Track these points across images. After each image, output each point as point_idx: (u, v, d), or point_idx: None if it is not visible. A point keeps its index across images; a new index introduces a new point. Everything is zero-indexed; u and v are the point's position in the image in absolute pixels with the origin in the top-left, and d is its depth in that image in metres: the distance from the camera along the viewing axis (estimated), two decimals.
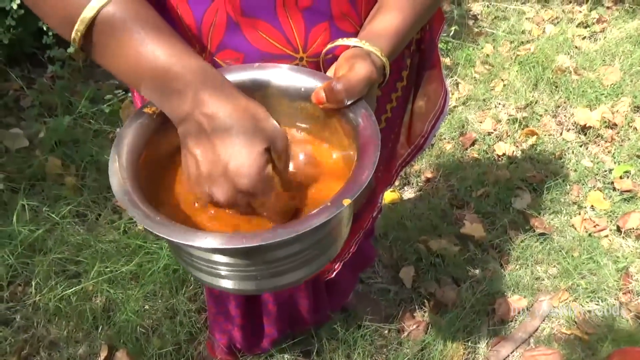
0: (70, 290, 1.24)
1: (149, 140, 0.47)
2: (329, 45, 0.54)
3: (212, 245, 0.38)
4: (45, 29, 1.64)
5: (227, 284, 0.46)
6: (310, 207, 0.48)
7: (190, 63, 0.43)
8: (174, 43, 0.43)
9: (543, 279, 1.38)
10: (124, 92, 1.74)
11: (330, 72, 0.51)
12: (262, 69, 0.51)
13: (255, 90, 0.50)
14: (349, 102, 0.47)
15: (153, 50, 0.42)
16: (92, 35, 0.43)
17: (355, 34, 0.57)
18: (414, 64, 0.73)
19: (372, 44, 0.50)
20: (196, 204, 0.48)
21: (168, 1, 0.53)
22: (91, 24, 0.42)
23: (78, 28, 0.42)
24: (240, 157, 0.41)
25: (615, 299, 1.33)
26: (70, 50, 1.73)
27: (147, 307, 1.26)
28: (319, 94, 0.47)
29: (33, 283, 1.26)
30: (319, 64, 0.57)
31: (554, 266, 1.41)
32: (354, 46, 0.51)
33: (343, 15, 0.56)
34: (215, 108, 0.41)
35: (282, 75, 0.50)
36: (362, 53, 0.49)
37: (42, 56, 1.81)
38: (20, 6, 1.55)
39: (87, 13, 0.41)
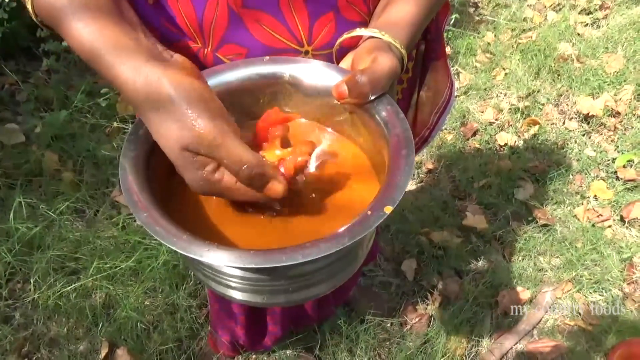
0: (70, 287, 1.23)
1: (154, 149, 0.44)
2: (345, 35, 0.50)
3: (240, 264, 0.35)
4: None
5: (246, 297, 0.43)
6: (332, 211, 0.44)
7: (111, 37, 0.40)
8: (103, 22, 0.41)
9: (546, 271, 1.37)
10: None
11: (345, 63, 0.49)
12: (275, 64, 0.48)
13: (269, 86, 0.47)
14: (373, 97, 0.44)
15: (81, 32, 0.40)
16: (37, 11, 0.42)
17: (362, 23, 0.54)
18: (420, 55, 0.71)
19: (391, 34, 0.47)
20: (226, 204, 0.45)
21: None
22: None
23: (30, 13, 0.42)
24: (190, 118, 0.38)
25: (619, 290, 1.32)
26: (66, 43, 1.70)
27: (147, 303, 1.24)
28: (341, 88, 0.44)
29: (32, 280, 1.25)
30: (326, 57, 0.55)
31: (557, 257, 1.40)
32: (372, 37, 0.48)
33: (349, 4, 0.54)
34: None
35: (299, 70, 0.47)
36: (383, 45, 0.46)
37: (37, 50, 1.79)
38: None
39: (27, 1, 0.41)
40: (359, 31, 0.49)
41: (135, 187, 0.40)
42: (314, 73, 0.47)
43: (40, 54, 1.79)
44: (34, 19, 0.43)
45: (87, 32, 0.40)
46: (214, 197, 0.45)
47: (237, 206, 0.45)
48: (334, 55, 0.53)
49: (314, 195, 0.46)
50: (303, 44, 0.54)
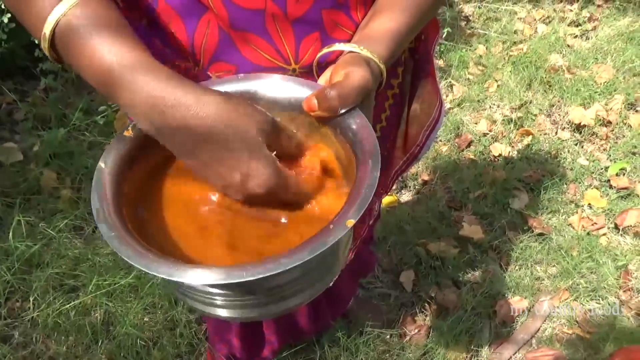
0: (69, 305, 1.23)
1: (131, 160, 0.45)
2: (324, 50, 0.52)
3: (208, 281, 0.36)
4: (37, 42, 1.63)
5: (226, 313, 0.44)
6: (304, 223, 0.45)
7: (128, 55, 0.41)
8: (122, 40, 0.42)
9: (543, 279, 1.38)
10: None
11: (323, 78, 0.50)
12: (248, 80, 0.48)
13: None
14: (343, 111, 0.45)
15: (101, 51, 0.41)
16: (56, 41, 0.43)
17: (348, 41, 0.56)
18: (407, 72, 0.73)
19: (370, 49, 0.49)
20: (198, 217, 0.45)
21: (160, 18, 0.53)
22: (54, 31, 0.42)
23: (44, 44, 0.43)
24: (253, 170, 0.41)
25: (615, 297, 1.33)
26: None
27: (146, 319, 1.25)
28: (311, 101, 0.45)
29: (31, 299, 1.25)
30: (311, 74, 0.56)
31: (554, 266, 1.41)
32: (351, 51, 0.49)
33: (335, 24, 0.56)
34: (180, 100, 0.40)
35: (271, 86, 0.48)
36: (359, 59, 0.47)
37: (35, 69, 1.81)
38: (11, 20, 1.55)
39: (46, 30, 0.42)
40: (337, 46, 0.50)
41: (108, 206, 0.41)
42: (283, 88, 0.48)
43: (37, 74, 1.81)
44: (46, 51, 0.43)
45: (108, 51, 0.41)
46: (188, 217, 0.46)
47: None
48: (314, 70, 0.54)
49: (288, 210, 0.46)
50: (290, 62, 0.56)
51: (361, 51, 0.48)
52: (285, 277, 0.41)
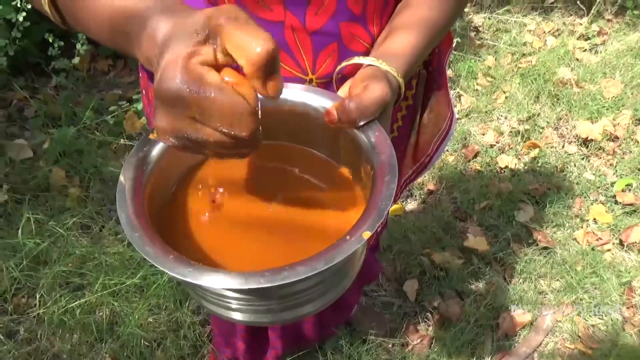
0: (75, 303, 1.24)
1: (155, 169, 0.46)
2: (344, 63, 0.53)
3: (226, 286, 0.37)
4: (50, 40, 1.64)
5: (239, 317, 0.45)
6: (316, 233, 0.46)
7: None
8: None
9: (547, 293, 1.38)
10: (127, 103, 1.75)
11: (343, 90, 0.51)
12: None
13: (266, 110, 0.50)
14: (361, 123, 0.46)
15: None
16: (58, 4, 0.43)
17: (365, 53, 0.57)
18: (421, 84, 0.74)
19: (389, 63, 0.49)
20: (217, 224, 0.47)
21: None
22: None
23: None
24: (165, 67, 0.34)
25: (618, 314, 1.33)
26: (75, 61, 1.74)
27: (150, 320, 1.25)
28: (331, 113, 0.46)
29: (37, 295, 1.26)
30: (328, 84, 0.57)
31: (558, 280, 1.41)
32: (370, 65, 0.50)
33: (352, 36, 0.57)
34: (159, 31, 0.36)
35: (294, 95, 0.49)
36: (379, 73, 0.48)
37: (46, 66, 1.82)
38: (26, 18, 1.56)
39: None
40: (357, 59, 0.51)
41: (130, 207, 0.41)
42: (306, 97, 0.49)
43: (49, 71, 1.82)
44: (46, 6, 0.43)
45: None
46: (209, 222, 0.47)
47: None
48: (334, 82, 0.55)
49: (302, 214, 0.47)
50: (307, 72, 0.57)
51: (380, 65, 0.49)
52: (301, 285, 0.42)
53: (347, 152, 0.50)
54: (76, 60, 1.72)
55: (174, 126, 0.35)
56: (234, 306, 0.44)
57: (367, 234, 0.39)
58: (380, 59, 0.50)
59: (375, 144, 0.45)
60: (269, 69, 0.34)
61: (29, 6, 1.52)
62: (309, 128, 0.50)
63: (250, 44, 0.33)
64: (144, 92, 0.72)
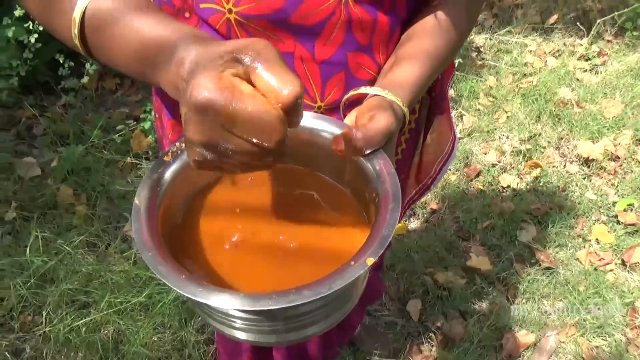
0: (81, 321, 1.25)
1: (168, 190, 0.48)
2: (351, 92, 0.54)
3: (233, 306, 0.39)
4: (61, 60, 1.68)
5: (244, 336, 0.46)
6: (323, 256, 0.48)
7: (179, 27, 0.42)
8: (160, 17, 0.44)
9: (550, 314, 1.38)
10: (134, 122, 1.77)
11: (350, 118, 0.53)
12: None
13: None
14: (367, 152, 0.48)
15: (139, 28, 0.43)
16: (86, 35, 0.45)
17: (370, 82, 0.59)
18: (424, 109, 0.76)
19: (394, 93, 0.51)
20: (227, 246, 0.49)
21: None
22: (82, 24, 0.44)
23: (73, 31, 0.45)
24: (198, 79, 0.36)
25: (622, 335, 1.33)
26: (84, 80, 1.77)
27: (155, 339, 1.26)
28: (339, 141, 0.47)
29: (43, 313, 1.27)
30: (336, 111, 0.59)
31: (561, 300, 1.42)
32: (376, 94, 0.52)
33: (359, 66, 0.59)
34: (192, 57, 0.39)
35: (304, 121, 0.50)
36: (384, 103, 0.50)
37: (56, 85, 1.85)
38: (37, 40, 1.60)
39: (76, 14, 0.44)
40: (364, 89, 0.53)
41: (145, 227, 0.43)
42: (314, 124, 0.51)
43: (58, 90, 1.86)
44: (76, 39, 0.45)
45: (149, 26, 0.43)
46: (217, 244, 0.49)
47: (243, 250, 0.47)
48: (341, 109, 0.57)
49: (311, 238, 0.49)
50: (316, 100, 0.59)
51: (386, 95, 0.51)
52: (305, 308, 0.44)
53: (353, 178, 0.51)
54: (85, 79, 1.76)
55: (203, 135, 0.36)
56: (240, 326, 0.46)
57: (370, 260, 0.40)
58: (386, 89, 0.52)
59: (380, 172, 0.47)
60: (295, 108, 0.36)
61: (41, 28, 1.56)
62: (317, 154, 0.52)
63: (279, 86, 0.35)
64: (157, 115, 0.74)
